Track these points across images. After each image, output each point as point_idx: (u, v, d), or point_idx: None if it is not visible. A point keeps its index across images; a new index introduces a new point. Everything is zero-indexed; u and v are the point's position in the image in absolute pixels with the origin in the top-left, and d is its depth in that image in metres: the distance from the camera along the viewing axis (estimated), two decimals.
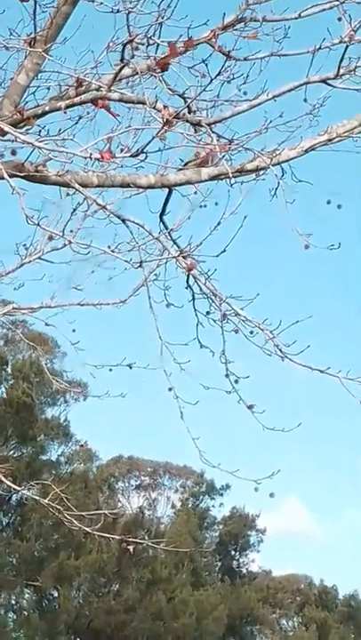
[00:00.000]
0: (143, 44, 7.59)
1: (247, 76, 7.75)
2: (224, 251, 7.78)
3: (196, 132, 7.63)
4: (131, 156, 7.00)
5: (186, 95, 7.66)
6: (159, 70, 6.61)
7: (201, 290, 8.27)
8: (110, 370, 10.39)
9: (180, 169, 7.64)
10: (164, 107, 6.66)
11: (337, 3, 7.69)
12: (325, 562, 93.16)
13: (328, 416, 70.37)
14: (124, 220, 7.49)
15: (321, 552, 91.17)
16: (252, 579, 64.55)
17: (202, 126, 7.58)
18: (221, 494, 65.72)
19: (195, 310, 8.50)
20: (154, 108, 6.91)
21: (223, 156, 7.57)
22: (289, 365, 7.85)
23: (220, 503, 66.12)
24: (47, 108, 7.27)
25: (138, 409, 66.18)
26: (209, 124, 7.59)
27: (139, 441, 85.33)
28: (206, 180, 7.83)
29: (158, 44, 7.52)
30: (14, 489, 13.49)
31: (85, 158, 6.44)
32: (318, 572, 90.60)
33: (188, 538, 53.50)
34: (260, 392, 9.08)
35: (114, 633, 49.87)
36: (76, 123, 7.52)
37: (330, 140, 8.00)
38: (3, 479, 10.82)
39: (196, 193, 8.48)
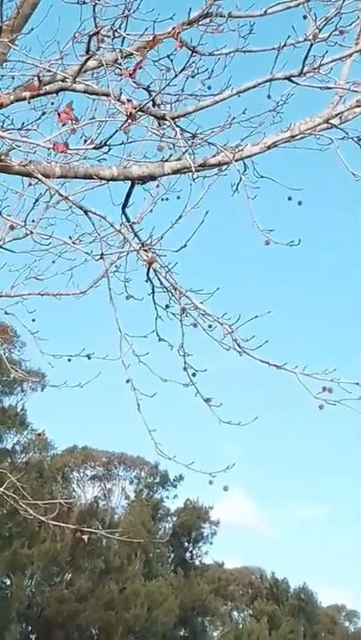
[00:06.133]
0: (109, 37, 7.59)
1: (212, 71, 7.73)
2: (185, 246, 7.79)
3: (160, 125, 7.64)
4: (94, 147, 7.01)
5: (151, 88, 7.65)
6: (127, 76, 6.63)
7: (161, 283, 8.28)
8: (69, 360, 10.38)
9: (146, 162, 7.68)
10: (128, 100, 6.65)
11: (302, 1, 7.72)
12: (275, 555, 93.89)
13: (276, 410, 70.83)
14: (86, 212, 7.49)
15: (268, 545, 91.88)
16: (205, 570, 64.73)
17: (166, 120, 7.58)
18: (175, 486, 65.92)
19: (154, 303, 8.50)
20: (118, 100, 6.90)
21: (186, 150, 7.59)
22: (247, 360, 7.88)
23: (174, 495, 66.32)
24: (12, 98, 7.24)
25: (95, 399, 66.12)
26: (173, 118, 7.59)
27: (94, 431, 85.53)
28: (169, 174, 7.86)
29: (124, 37, 7.53)
30: None
31: (48, 149, 6.45)
32: (270, 564, 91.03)
33: (142, 529, 53.66)
34: (217, 385, 9.12)
35: (66, 622, 49.90)
36: (43, 114, 7.52)
37: (292, 136, 8.03)
38: None
39: (158, 186, 8.51)
